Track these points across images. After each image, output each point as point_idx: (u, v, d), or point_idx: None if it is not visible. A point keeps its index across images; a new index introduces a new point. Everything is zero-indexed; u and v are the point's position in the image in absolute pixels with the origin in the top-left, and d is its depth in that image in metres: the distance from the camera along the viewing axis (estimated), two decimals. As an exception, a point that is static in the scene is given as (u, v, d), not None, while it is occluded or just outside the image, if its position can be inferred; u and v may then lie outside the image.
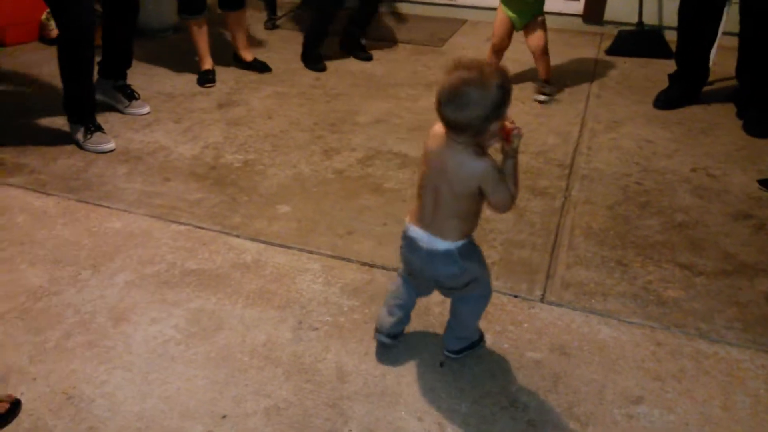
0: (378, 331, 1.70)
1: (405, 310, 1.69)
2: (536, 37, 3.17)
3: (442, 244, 1.47)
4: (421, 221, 1.49)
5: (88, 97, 2.75)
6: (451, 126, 1.39)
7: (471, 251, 1.52)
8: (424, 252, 1.50)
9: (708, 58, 3.19)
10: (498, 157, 1.45)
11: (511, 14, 3.13)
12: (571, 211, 2.37)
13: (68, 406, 1.56)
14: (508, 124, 1.41)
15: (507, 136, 1.42)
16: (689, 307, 1.91)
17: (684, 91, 3.23)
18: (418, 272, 1.57)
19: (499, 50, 3.26)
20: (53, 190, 2.45)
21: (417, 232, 1.50)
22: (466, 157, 1.40)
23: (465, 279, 1.53)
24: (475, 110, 1.33)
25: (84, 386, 1.61)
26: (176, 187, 2.49)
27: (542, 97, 3.25)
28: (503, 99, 1.35)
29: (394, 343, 1.71)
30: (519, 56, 3.74)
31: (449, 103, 1.35)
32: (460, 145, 1.40)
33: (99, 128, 2.76)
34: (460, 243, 1.48)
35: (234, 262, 2.07)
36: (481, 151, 1.41)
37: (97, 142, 2.73)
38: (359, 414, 1.55)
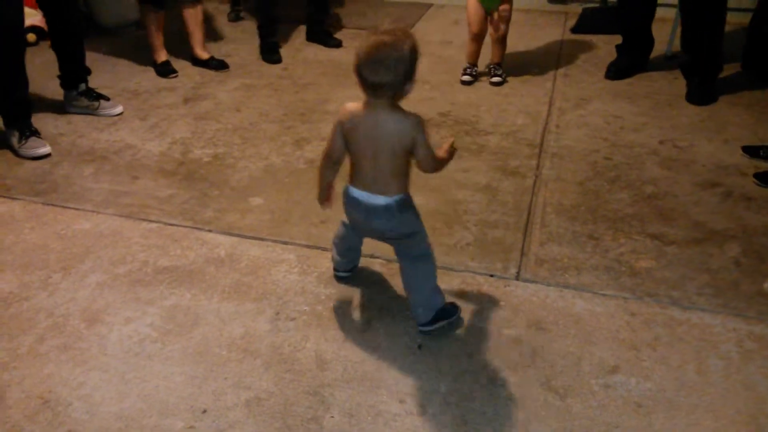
0: (336, 269, 1.94)
1: (354, 250, 1.91)
2: (503, 20, 3.18)
3: (381, 200, 1.60)
4: (361, 183, 1.62)
5: (21, 101, 2.68)
6: (370, 87, 1.49)
7: (407, 204, 1.65)
8: (363, 208, 1.63)
9: (650, 27, 3.27)
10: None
11: (482, 1, 3.13)
12: (543, 188, 2.39)
13: (45, 411, 1.53)
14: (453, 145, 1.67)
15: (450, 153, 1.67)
16: (661, 276, 1.94)
17: (632, 60, 3.33)
18: (360, 226, 1.71)
19: (478, 38, 3.24)
20: (19, 194, 2.40)
21: (357, 192, 1.62)
22: (398, 115, 1.54)
23: (404, 230, 1.66)
24: (393, 71, 1.46)
25: (60, 390, 1.59)
26: (145, 185, 2.45)
27: (497, 79, 3.28)
28: (416, 60, 1.49)
29: (350, 275, 1.94)
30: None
31: (369, 65, 1.46)
32: (385, 108, 1.53)
33: (34, 133, 2.69)
34: (397, 197, 1.61)
35: (208, 257, 2.05)
36: (403, 110, 1.55)
37: (31, 146, 2.65)
38: (340, 400, 1.55)
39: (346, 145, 1.61)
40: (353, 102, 1.58)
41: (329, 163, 1.67)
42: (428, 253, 1.73)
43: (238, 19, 4.34)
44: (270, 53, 3.64)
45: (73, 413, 1.53)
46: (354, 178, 1.64)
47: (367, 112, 1.55)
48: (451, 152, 1.68)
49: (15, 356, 1.69)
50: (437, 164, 1.63)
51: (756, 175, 2.41)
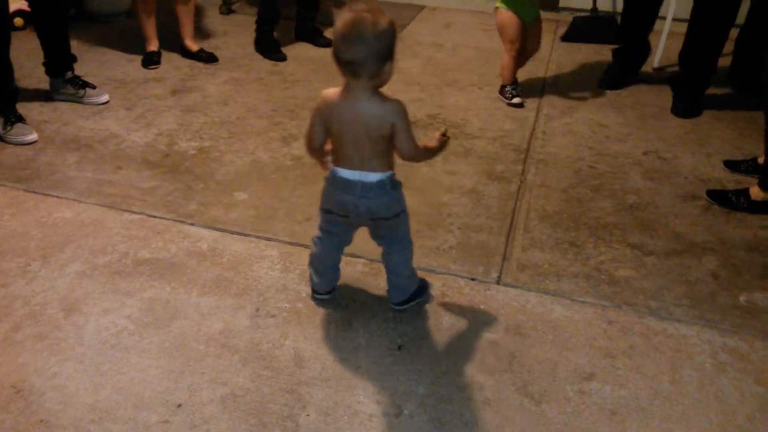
0: (315, 291, 1.85)
1: (333, 268, 1.83)
2: (538, 33, 3.05)
3: (374, 176, 1.58)
4: (350, 164, 1.58)
5: (5, 87, 2.64)
6: (347, 66, 1.44)
7: (397, 182, 1.64)
8: (359, 186, 1.59)
9: (647, 36, 3.30)
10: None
11: (520, 13, 2.92)
12: (527, 194, 2.41)
13: (17, 400, 1.52)
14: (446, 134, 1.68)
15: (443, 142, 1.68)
16: (639, 285, 1.96)
17: (624, 69, 3.37)
18: (353, 209, 1.63)
19: (521, 53, 3.03)
20: (0, 180, 2.37)
21: (348, 173, 1.59)
22: (377, 101, 1.50)
23: (396, 208, 1.65)
24: (370, 47, 1.41)
25: (34, 379, 1.57)
26: (129, 176, 2.43)
27: (517, 100, 3.09)
28: (394, 39, 1.45)
29: (330, 297, 1.86)
30: (483, 44, 3.77)
31: (345, 41, 1.41)
32: (365, 92, 1.49)
33: (20, 119, 2.66)
34: (389, 173, 1.60)
35: (189, 251, 2.04)
36: (384, 95, 1.51)
37: (18, 133, 2.62)
38: (317, 399, 1.55)
39: (326, 131, 1.60)
40: (332, 88, 1.55)
41: (312, 149, 1.66)
42: (408, 238, 1.75)
43: (229, 12, 4.32)
44: (274, 51, 3.60)
45: (46, 403, 1.51)
46: (341, 161, 1.60)
47: (345, 98, 1.51)
48: (443, 142, 1.66)
49: (-11, 344, 1.67)
50: (421, 153, 1.61)
51: (708, 193, 2.41)
